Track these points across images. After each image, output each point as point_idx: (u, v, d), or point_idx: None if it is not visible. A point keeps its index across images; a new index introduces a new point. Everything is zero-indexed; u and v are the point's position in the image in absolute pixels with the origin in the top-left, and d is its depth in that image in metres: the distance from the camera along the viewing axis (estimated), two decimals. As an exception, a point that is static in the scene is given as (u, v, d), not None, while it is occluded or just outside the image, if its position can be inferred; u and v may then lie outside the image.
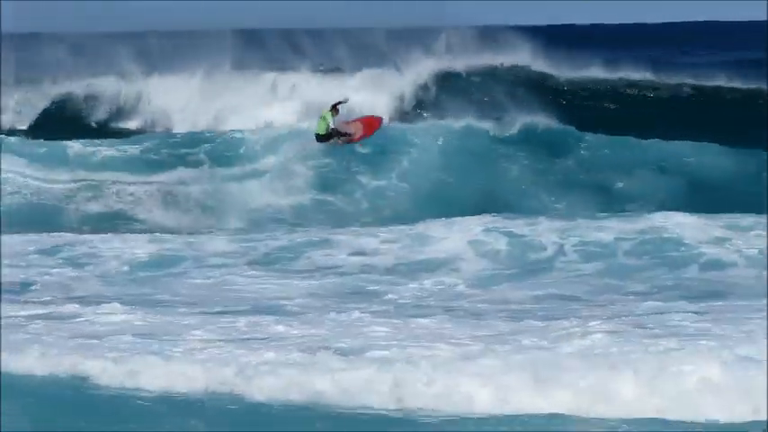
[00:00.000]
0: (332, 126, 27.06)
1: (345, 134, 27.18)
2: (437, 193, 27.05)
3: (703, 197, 25.52)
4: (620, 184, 27.35)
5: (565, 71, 33.58)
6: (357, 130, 27.27)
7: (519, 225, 20.59)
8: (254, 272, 19.18)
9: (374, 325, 14.52)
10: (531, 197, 26.87)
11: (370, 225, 23.92)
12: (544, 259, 19.30)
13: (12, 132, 32.30)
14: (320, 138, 27.29)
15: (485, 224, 20.63)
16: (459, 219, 21.17)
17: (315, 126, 27.45)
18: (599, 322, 14.21)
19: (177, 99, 33.41)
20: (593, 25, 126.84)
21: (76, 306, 16.00)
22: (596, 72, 33.88)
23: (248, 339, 13.90)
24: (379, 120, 28.15)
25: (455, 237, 20.16)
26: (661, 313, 15.06)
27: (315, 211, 26.57)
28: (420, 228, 21.09)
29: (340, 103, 27.21)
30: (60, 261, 19.92)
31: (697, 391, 11.32)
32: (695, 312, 14.97)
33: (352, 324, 14.70)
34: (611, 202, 25.88)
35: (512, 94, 30.61)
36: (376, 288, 17.91)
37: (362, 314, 15.34)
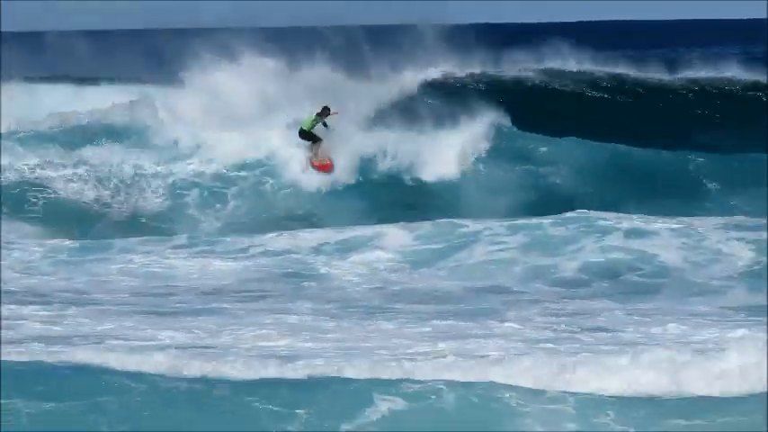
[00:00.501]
0: (314, 128, 27.72)
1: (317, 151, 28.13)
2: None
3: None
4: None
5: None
6: (320, 162, 28.22)
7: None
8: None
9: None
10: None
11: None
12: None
13: None
14: (303, 134, 27.92)
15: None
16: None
17: (302, 121, 27.94)
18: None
19: None
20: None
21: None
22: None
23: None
24: (330, 165, 28.55)
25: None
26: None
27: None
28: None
29: (330, 112, 27.78)
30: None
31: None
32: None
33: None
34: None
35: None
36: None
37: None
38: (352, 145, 28.50)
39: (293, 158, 28.34)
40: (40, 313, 15.80)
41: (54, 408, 10.90)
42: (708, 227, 20.53)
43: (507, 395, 11.26)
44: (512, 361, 12.22)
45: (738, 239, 19.86)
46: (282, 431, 10.83)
